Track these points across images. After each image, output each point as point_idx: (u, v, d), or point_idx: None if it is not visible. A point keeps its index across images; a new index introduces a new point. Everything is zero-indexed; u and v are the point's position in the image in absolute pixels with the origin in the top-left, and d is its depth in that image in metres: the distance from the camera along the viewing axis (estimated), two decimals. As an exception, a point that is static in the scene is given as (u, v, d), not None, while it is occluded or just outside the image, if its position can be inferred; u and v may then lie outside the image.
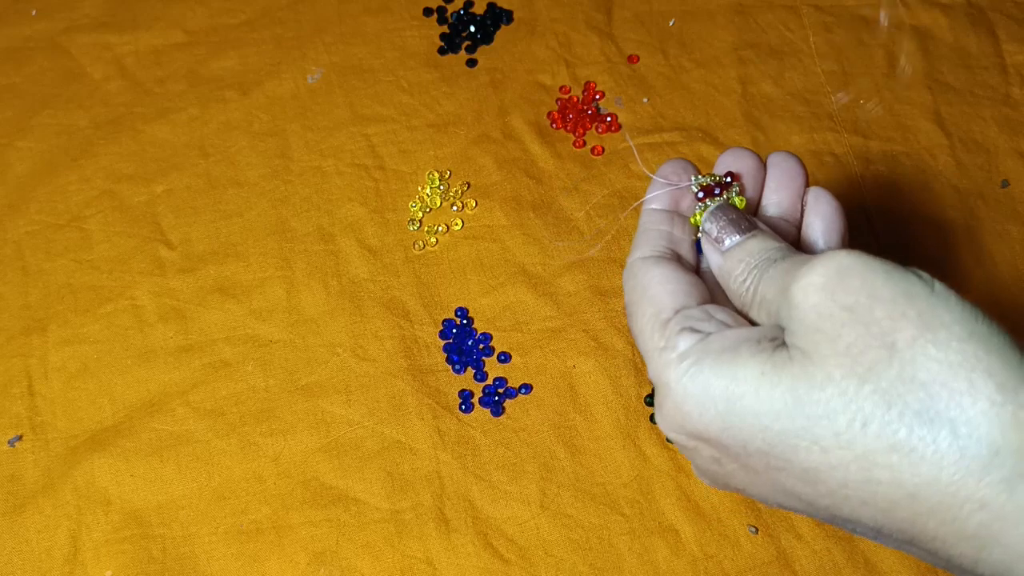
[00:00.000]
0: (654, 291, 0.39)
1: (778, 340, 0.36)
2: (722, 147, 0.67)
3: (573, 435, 0.58)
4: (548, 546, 0.55)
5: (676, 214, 0.43)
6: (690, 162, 0.44)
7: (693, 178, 0.44)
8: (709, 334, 0.37)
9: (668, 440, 0.57)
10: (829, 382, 0.33)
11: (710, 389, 0.35)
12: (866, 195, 0.66)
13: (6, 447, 0.59)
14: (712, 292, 0.41)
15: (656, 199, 0.44)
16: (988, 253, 0.63)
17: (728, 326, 0.37)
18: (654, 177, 0.44)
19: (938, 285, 0.33)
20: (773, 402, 0.34)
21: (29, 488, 0.58)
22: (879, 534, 0.34)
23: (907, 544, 0.34)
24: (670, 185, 0.43)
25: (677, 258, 0.42)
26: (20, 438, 0.59)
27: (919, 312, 0.32)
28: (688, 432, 0.37)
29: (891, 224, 0.64)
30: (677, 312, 0.38)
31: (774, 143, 0.67)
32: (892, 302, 0.33)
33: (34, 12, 0.76)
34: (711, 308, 0.38)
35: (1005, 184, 0.66)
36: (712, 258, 0.41)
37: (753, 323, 0.39)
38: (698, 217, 0.43)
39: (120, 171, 0.68)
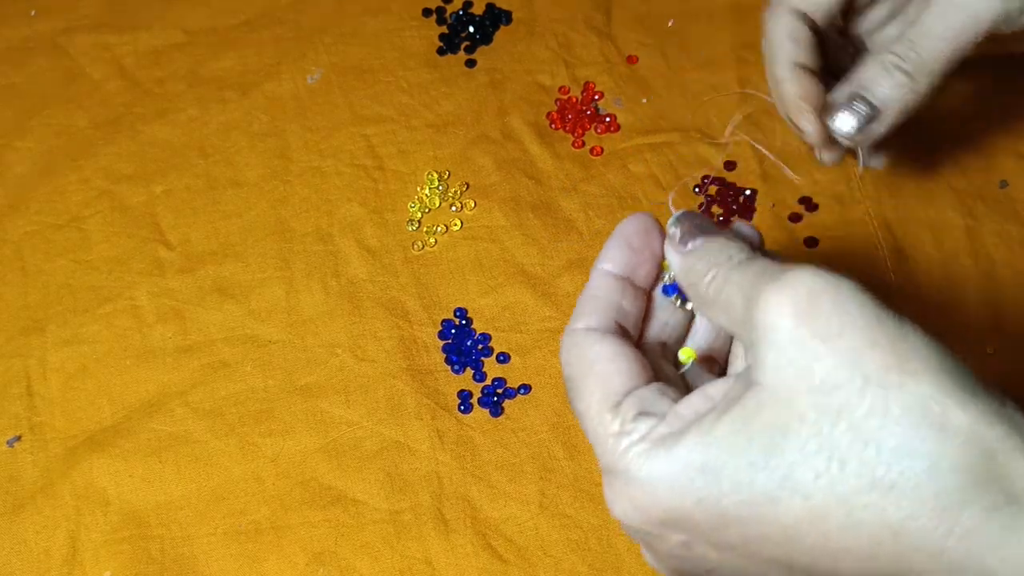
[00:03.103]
0: (602, 369, 0.38)
1: (737, 393, 0.34)
2: (722, 147, 0.67)
3: (572, 435, 0.58)
4: (547, 546, 0.55)
5: (629, 282, 0.41)
6: (655, 219, 0.42)
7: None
8: (664, 415, 0.35)
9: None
10: (803, 423, 0.32)
11: (687, 465, 0.34)
12: (865, 196, 0.65)
13: (5, 447, 0.59)
14: (654, 365, 0.39)
15: (611, 260, 0.41)
16: (988, 253, 0.63)
17: (677, 402, 0.36)
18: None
19: (896, 313, 0.33)
20: (751, 456, 0.33)
21: (28, 489, 0.58)
22: None
23: None
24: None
25: (623, 332, 0.40)
26: (19, 438, 0.59)
27: (890, 341, 0.32)
28: (655, 519, 0.35)
29: (890, 225, 0.64)
30: (628, 394, 0.37)
31: (773, 145, 0.67)
32: (864, 330, 0.32)
33: (34, 12, 0.76)
34: (660, 386, 0.37)
35: (1004, 184, 0.65)
36: (673, 259, 0.39)
37: (717, 360, 0.39)
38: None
39: (119, 171, 0.68)
